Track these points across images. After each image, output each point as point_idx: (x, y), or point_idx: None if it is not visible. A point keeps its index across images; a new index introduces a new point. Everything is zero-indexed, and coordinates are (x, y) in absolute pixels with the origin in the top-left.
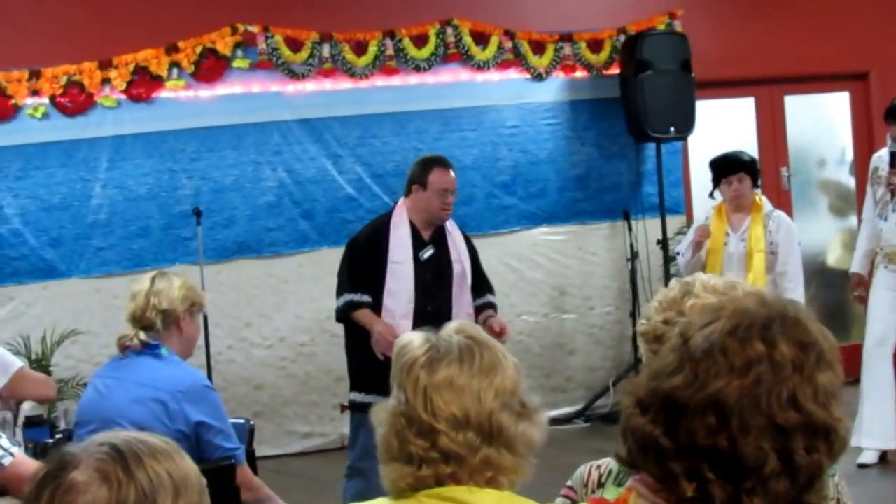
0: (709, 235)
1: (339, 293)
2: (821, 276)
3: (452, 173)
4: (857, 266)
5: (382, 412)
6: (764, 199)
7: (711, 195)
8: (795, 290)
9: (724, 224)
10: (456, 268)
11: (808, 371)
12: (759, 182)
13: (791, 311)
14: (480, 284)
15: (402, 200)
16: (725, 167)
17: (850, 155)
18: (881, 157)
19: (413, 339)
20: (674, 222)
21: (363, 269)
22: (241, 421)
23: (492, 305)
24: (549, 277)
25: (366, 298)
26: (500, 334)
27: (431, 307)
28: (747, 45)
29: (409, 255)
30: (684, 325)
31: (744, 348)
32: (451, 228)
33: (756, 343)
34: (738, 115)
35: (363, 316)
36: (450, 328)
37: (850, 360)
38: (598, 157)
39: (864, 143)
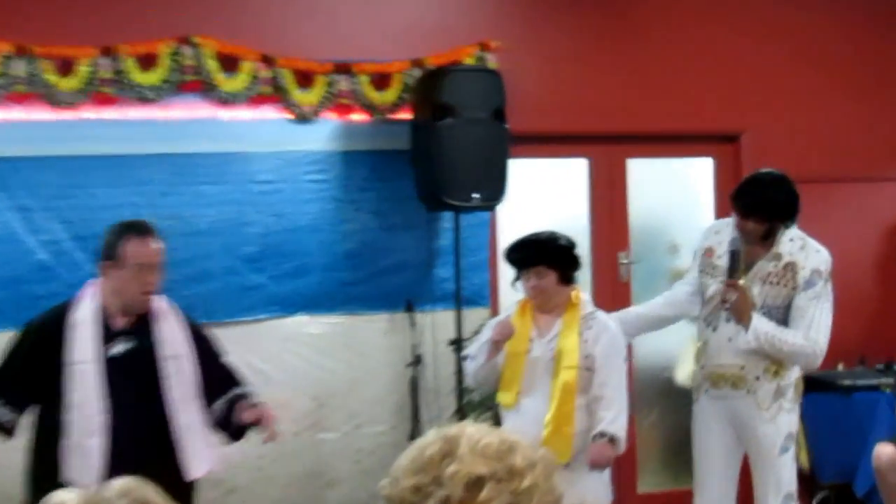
0: (511, 334)
1: None
2: (665, 400)
3: (155, 244)
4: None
5: None
6: (584, 296)
7: (514, 285)
8: (615, 422)
9: (528, 325)
10: (169, 366)
11: None
12: (574, 275)
13: None
14: (225, 380)
15: (94, 280)
16: (517, 258)
17: None
18: (720, 239)
19: (65, 501)
20: (474, 317)
21: (21, 370)
22: None
23: (246, 396)
24: (305, 383)
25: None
26: (260, 422)
27: (135, 421)
28: (583, 92)
29: (92, 352)
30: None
31: None
32: (165, 313)
33: None
34: (566, 181)
35: None
36: (114, 489)
37: None
38: (377, 228)
39: None
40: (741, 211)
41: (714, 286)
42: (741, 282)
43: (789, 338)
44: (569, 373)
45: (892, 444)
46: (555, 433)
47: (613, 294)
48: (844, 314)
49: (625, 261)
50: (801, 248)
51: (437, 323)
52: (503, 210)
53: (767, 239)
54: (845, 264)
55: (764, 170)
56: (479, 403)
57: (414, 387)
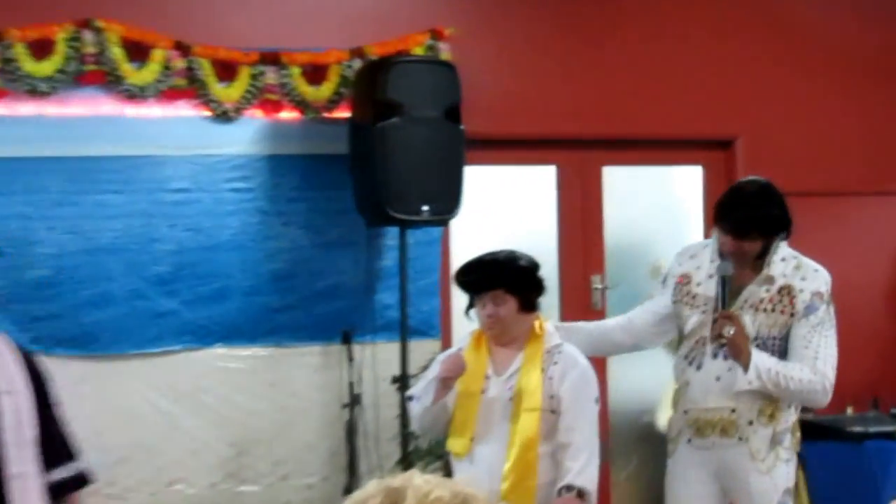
0: (462, 371)
1: None
2: (645, 448)
3: None
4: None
5: None
6: (549, 327)
7: (467, 313)
8: (584, 473)
9: (483, 361)
10: (3, 402)
11: None
12: (537, 302)
13: None
14: (58, 443)
15: None
16: (470, 281)
17: None
18: (697, 264)
19: None
20: (422, 350)
21: None
22: None
23: (81, 480)
24: (223, 427)
25: None
26: None
27: None
28: (552, 89)
29: None
30: None
31: None
32: None
33: None
34: (532, 192)
35: None
36: None
37: None
38: (310, 246)
39: None
40: (735, 230)
41: (695, 318)
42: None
43: (795, 373)
44: (531, 416)
45: None
46: (515, 486)
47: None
48: (854, 349)
49: (599, 285)
50: (795, 268)
51: (379, 357)
52: (457, 226)
53: (759, 259)
54: (853, 291)
55: (744, 179)
56: (427, 451)
57: (351, 432)
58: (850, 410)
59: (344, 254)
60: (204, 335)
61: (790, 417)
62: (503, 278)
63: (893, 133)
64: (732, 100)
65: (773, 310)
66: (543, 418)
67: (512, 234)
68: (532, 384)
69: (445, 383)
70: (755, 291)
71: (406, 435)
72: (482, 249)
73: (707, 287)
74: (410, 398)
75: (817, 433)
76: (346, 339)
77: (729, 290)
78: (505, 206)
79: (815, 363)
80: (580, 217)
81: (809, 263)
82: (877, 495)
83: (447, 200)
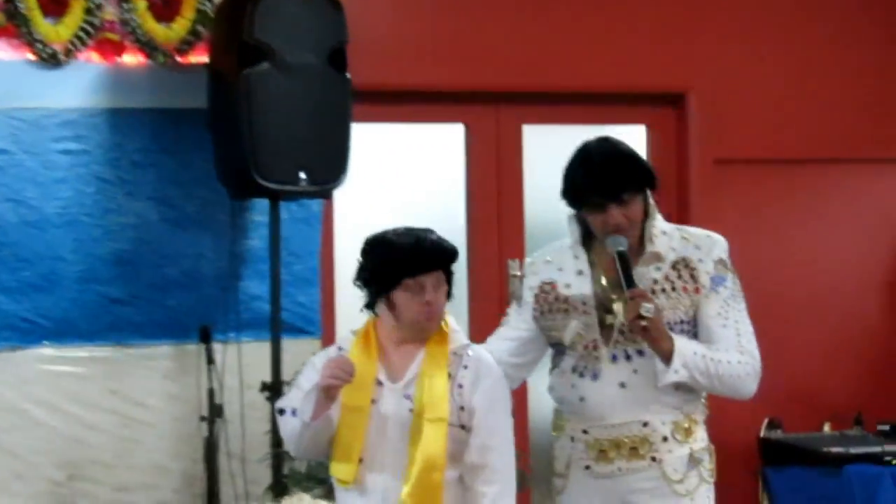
0: (350, 377)
1: None
2: None
3: None
4: None
5: None
6: (452, 323)
7: (372, 307)
8: (499, 501)
9: (373, 363)
10: None
11: None
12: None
13: None
14: None
15: None
16: (427, 259)
17: None
18: (560, 266)
19: None
20: (298, 351)
21: None
22: None
23: None
24: (53, 445)
25: None
26: None
27: None
28: (461, 32)
29: None
30: None
31: None
32: None
33: None
34: (435, 156)
35: None
36: None
37: None
38: (159, 222)
39: (670, 208)
40: (612, 193)
41: (575, 322)
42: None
43: (723, 356)
44: (436, 429)
45: None
46: None
47: (500, 320)
48: (833, 353)
49: (517, 272)
50: (682, 238)
51: (246, 360)
52: (342, 198)
53: (645, 221)
54: (833, 281)
55: (581, 144)
56: (305, 476)
57: (210, 451)
58: (827, 428)
59: (202, 232)
60: (27, 332)
61: (705, 436)
62: (448, 259)
63: (878, 88)
64: (682, 48)
65: (672, 289)
66: (451, 435)
67: (409, 209)
68: (437, 391)
69: (329, 393)
70: (644, 273)
71: (279, 455)
72: (373, 228)
73: (580, 285)
74: (282, 411)
75: (786, 455)
76: (205, 338)
77: (630, 264)
78: (401, 175)
79: (740, 341)
80: (495, 188)
81: (697, 231)
82: None
83: (329, 167)
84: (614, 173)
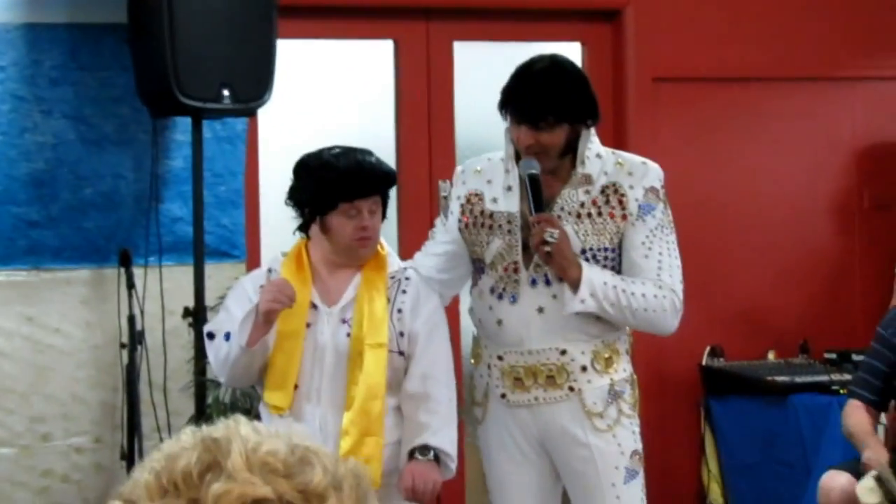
0: (292, 301)
1: None
2: None
3: None
4: None
5: None
6: (388, 246)
7: (305, 230)
8: (441, 432)
9: (306, 286)
10: None
11: None
12: (385, 213)
13: None
14: None
15: None
16: (364, 182)
17: None
18: (489, 178)
19: None
20: (222, 275)
21: None
22: None
23: None
24: None
25: None
26: None
27: None
28: None
29: None
30: None
31: None
32: None
33: None
34: (363, 74)
35: None
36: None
37: None
38: (78, 142)
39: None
40: (528, 116)
41: (497, 241)
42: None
43: (638, 288)
44: (376, 354)
45: (846, 473)
46: (358, 445)
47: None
48: (778, 279)
49: (448, 193)
50: (617, 164)
51: (168, 284)
52: (267, 116)
53: (566, 155)
54: (781, 204)
55: (535, 56)
56: (231, 405)
57: (130, 380)
58: (771, 356)
59: (122, 152)
60: None
61: (628, 366)
62: (387, 183)
63: (822, 4)
64: None
65: (598, 214)
66: (390, 361)
67: (337, 128)
68: (377, 316)
69: (269, 317)
70: (572, 195)
71: (202, 384)
72: (299, 148)
73: (507, 202)
74: (211, 335)
75: (729, 384)
76: (125, 261)
77: (540, 189)
78: (328, 93)
79: (661, 275)
80: (425, 107)
81: (633, 157)
82: (805, 461)
83: (254, 83)
84: (538, 98)
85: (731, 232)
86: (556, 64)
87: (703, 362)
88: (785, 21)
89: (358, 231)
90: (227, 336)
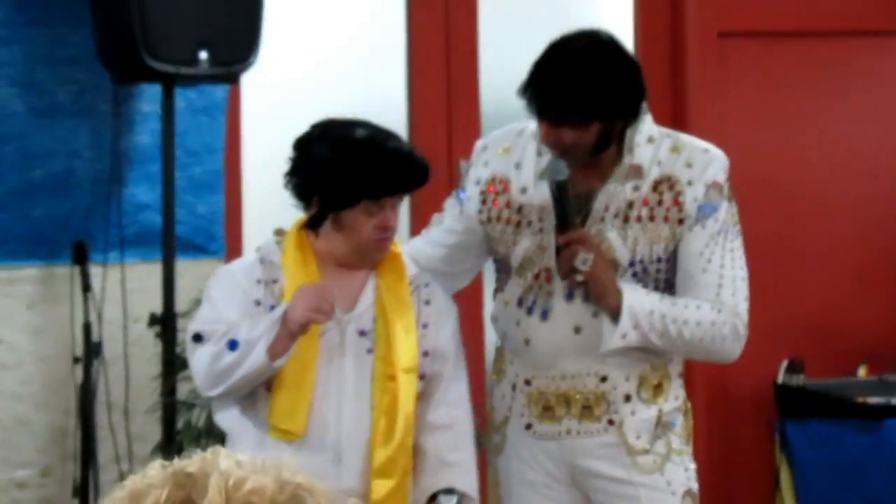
0: (332, 313)
1: None
2: None
3: None
4: None
5: None
6: (404, 249)
7: (317, 225)
8: (468, 473)
9: (312, 269)
10: None
11: None
12: None
13: None
14: None
15: None
16: (381, 180)
17: None
18: (516, 160)
19: None
20: (197, 274)
21: None
22: None
23: None
24: None
25: None
26: None
27: None
28: None
29: None
30: None
31: None
32: None
33: None
34: (367, 26)
35: None
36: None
37: None
38: (26, 114)
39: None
40: (547, 111)
41: (527, 241)
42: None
43: (692, 314)
44: (410, 382)
45: None
46: (397, 491)
47: None
48: (865, 277)
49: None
50: (672, 150)
51: (131, 285)
52: (252, 82)
53: (602, 150)
54: (872, 184)
55: (575, 31)
56: (205, 430)
57: (85, 400)
58: (862, 372)
59: (78, 125)
60: None
61: (680, 393)
62: (424, 180)
63: None
64: None
65: (650, 217)
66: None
67: (336, 98)
68: (406, 333)
69: (305, 329)
70: (617, 192)
71: (171, 406)
72: (290, 122)
73: (540, 192)
74: (199, 338)
75: (810, 406)
76: (80, 257)
77: (570, 201)
78: (326, 55)
79: (720, 293)
80: (443, 71)
81: (692, 142)
82: None
83: (237, 43)
84: (560, 90)
85: (811, 219)
86: (593, 47)
87: (779, 380)
88: None
89: (379, 231)
90: (233, 344)
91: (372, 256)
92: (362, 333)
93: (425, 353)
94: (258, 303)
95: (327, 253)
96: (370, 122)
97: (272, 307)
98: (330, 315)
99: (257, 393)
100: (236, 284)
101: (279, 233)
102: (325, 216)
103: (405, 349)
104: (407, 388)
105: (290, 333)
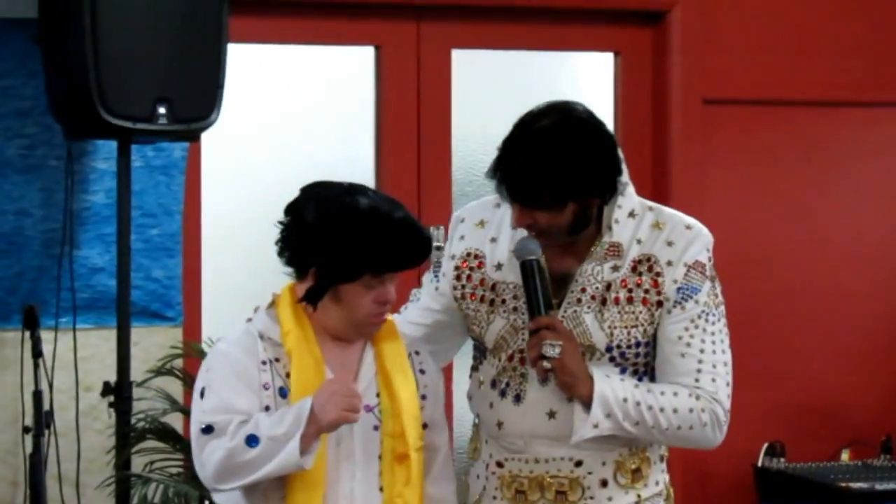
0: (359, 411)
1: None
2: None
3: None
4: None
5: None
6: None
7: (316, 300)
8: None
9: (320, 363)
10: None
11: None
12: None
13: None
14: None
15: None
16: (390, 255)
17: None
18: (493, 234)
19: None
20: (154, 342)
21: None
22: None
23: None
24: None
25: None
26: None
27: None
28: None
29: None
30: None
31: None
32: None
33: None
34: (337, 88)
35: None
36: None
37: None
38: None
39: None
40: (519, 195)
41: (500, 322)
42: (555, 314)
43: (667, 402)
44: (419, 460)
45: None
46: None
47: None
48: (850, 359)
49: (441, 243)
50: (653, 226)
51: (85, 352)
52: (213, 140)
53: (580, 230)
54: (860, 262)
55: (544, 104)
56: None
57: (34, 473)
58: (845, 456)
59: (28, 182)
60: None
61: (661, 477)
62: (428, 254)
63: None
64: None
65: (629, 300)
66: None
67: (302, 155)
68: (413, 408)
69: (333, 428)
70: (595, 273)
71: (125, 480)
72: (252, 183)
73: (515, 269)
74: (209, 430)
75: (791, 491)
76: (30, 322)
77: (543, 281)
78: (291, 112)
79: (700, 379)
80: (414, 131)
81: (675, 217)
82: None
83: (197, 99)
84: (530, 173)
85: (794, 297)
86: (563, 125)
87: (759, 463)
88: (866, 35)
89: (378, 305)
90: (252, 440)
91: (369, 331)
92: (367, 409)
93: (425, 426)
94: (266, 387)
95: (323, 326)
96: (368, 188)
97: (281, 388)
98: (359, 413)
99: None
100: (241, 369)
101: (270, 311)
102: (325, 290)
103: (413, 425)
104: (419, 467)
105: (318, 431)
